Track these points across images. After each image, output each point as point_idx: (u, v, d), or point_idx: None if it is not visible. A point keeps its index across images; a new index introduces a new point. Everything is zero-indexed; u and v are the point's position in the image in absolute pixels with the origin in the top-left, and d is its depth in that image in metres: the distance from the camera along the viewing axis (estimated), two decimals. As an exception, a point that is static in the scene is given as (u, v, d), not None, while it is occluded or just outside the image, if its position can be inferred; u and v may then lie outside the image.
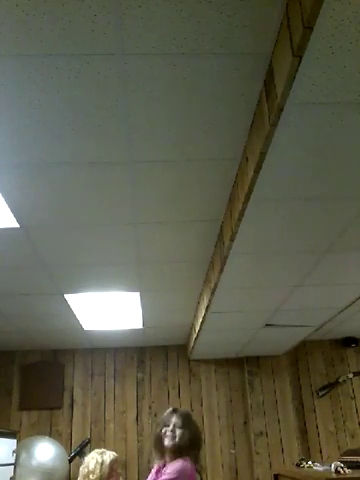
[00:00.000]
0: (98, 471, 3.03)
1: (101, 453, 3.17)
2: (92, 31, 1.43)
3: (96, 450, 3.26)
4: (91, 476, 3.04)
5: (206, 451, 5.03)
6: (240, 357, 5.37)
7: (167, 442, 2.52)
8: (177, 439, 2.50)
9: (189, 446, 2.50)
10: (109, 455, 3.15)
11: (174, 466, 2.42)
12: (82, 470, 3.13)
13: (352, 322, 4.62)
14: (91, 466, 3.09)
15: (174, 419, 2.58)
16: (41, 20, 1.38)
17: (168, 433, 2.54)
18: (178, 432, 2.52)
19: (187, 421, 2.59)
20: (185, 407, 5.21)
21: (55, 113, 1.75)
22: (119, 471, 3.16)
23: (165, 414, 2.66)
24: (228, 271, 2.86)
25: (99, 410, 5.20)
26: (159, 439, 2.58)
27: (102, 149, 1.96)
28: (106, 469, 3.05)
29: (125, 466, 4.89)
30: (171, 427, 2.55)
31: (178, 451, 2.48)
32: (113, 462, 3.12)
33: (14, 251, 2.87)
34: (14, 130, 1.82)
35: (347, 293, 3.51)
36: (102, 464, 3.06)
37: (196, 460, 2.52)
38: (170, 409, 2.67)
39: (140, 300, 3.84)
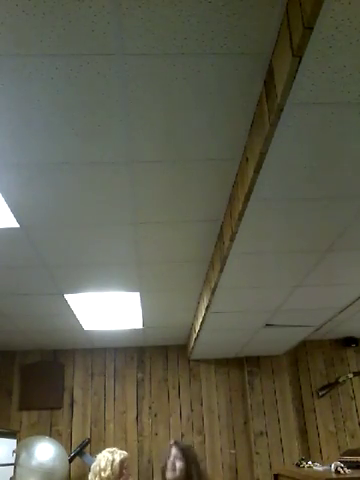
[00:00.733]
0: (109, 469, 3.07)
1: (112, 452, 3.21)
2: (92, 31, 1.43)
3: (107, 449, 3.30)
4: (102, 473, 3.09)
5: (206, 451, 5.03)
6: (240, 357, 5.37)
7: (168, 475, 2.62)
8: (177, 472, 2.59)
9: (187, 477, 2.57)
10: (120, 454, 3.18)
11: None
12: (93, 468, 3.18)
13: (352, 322, 4.62)
14: (102, 464, 3.14)
15: (173, 451, 2.67)
16: (41, 20, 1.38)
17: (169, 466, 2.63)
18: (178, 464, 2.60)
19: (184, 452, 2.66)
20: (185, 407, 5.22)
21: (55, 113, 1.75)
22: (130, 471, 3.18)
23: (167, 447, 2.76)
24: (228, 271, 2.86)
25: (99, 410, 5.20)
26: (163, 472, 2.69)
27: (102, 149, 1.96)
28: (117, 467, 3.08)
29: (125, 466, 4.89)
30: (171, 459, 2.64)
31: None
32: (123, 461, 3.15)
33: (14, 251, 2.87)
34: (14, 130, 1.82)
35: (347, 293, 3.51)
36: (113, 462, 3.11)
37: None
38: (171, 442, 2.77)
39: (140, 300, 3.84)
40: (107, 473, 3.06)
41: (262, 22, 1.43)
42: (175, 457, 2.63)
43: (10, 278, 3.30)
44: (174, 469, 2.60)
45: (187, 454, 2.66)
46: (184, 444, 2.77)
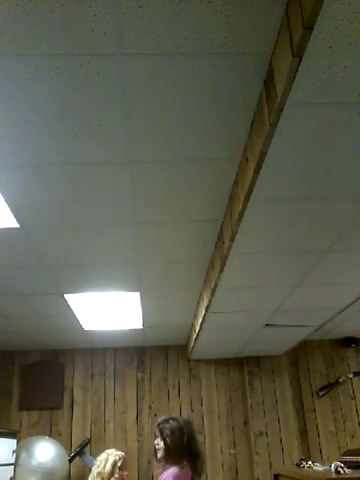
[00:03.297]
0: (101, 467, 3.28)
1: (108, 452, 3.40)
2: (92, 31, 1.43)
3: (107, 450, 3.48)
4: (94, 471, 3.29)
5: (206, 451, 5.03)
6: (240, 357, 5.37)
7: (156, 455, 2.60)
8: (159, 453, 2.56)
9: (168, 456, 2.51)
10: (114, 455, 3.37)
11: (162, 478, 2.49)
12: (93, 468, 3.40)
13: (352, 322, 4.63)
14: (97, 463, 3.34)
15: (157, 432, 2.63)
16: (41, 20, 1.38)
17: (155, 447, 2.61)
18: (160, 445, 2.57)
19: (163, 431, 2.59)
20: (185, 407, 5.22)
21: (55, 113, 1.75)
22: (125, 472, 3.29)
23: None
24: (228, 271, 2.86)
25: (99, 410, 5.20)
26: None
27: (102, 149, 1.96)
28: (108, 467, 3.27)
29: (125, 466, 4.90)
30: (156, 440, 2.61)
31: (164, 462, 2.54)
32: (116, 461, 3.31)
33: (14, 251, 2.87)
34: (14, 130, 1.82)
35: (347, 293, 3.51)
36: (106, 461, 3.30)
37: (185, 463, 2.49)
38: (158, 421, 2.71)
39: (140, 300, 3.84)
40: (98, 470, 3.29)
41: (262, 22, 1.43)
42: (156, 437, 2.63)
43: (10, 278, 3.30)
44: (157, 450, 2.59)
45: (164, 432, 2.60)
46: (162, 421, 2.68)
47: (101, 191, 2.28)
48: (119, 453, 3.36)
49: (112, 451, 3.39)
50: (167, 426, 2.58)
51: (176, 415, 2.78)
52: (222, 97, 1.71)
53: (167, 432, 2.56)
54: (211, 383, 5.36)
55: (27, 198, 2.30)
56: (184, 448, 2.52)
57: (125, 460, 3.34)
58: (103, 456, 3.33)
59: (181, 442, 2.53)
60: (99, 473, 3.23)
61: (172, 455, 2.49)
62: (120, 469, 3.24)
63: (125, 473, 3.27)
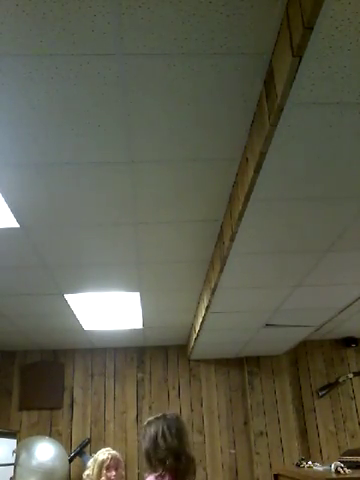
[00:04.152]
0: (91, 467, 3.13)
1: (99, 451, 3.24)
2: (92, 31, 1.43)
3: (103, 448, 3.33)
4: (84, 473, 3.17)
5: (206, 451, 5.03)
6: (240, 357, 5.37)
7: None
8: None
9: (147, 463, 2.22)
10: (104, 454, 3.16)
11: None
12: None
13: (352, 322, 4.62)
14: (89, 464, 3.20)
15: None
16: (41, 20, 1.38)
17: None
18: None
19: (143, 436, 2.30)
20: (185, 407, 5.22)
21: (55, 113, 1.75)
22: (113, 472, 3.07)
23: None
24: (228, 271, 2.86)
25: (99, 410, 5.20)
26: None
27: (102, 149, 1.96)
28: (96, 468, 3.09)
29: (125, 466, 4.88)
30: None
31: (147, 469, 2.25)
32: (104, 461, 3.09)
33: (14, 251, 2.87)
34: (14, 130, 1.82)
35: (347, 293, 3.51)
36: (95, 461, 3.13)
37: (163, 472, 2.13)
38: None
39: (140, 300, 3.84)
40: (87, 472, 3.12)
41: (262, 22, 1.43)
42: None
43: (10, 278, 3.30)
44: None
45: (142, 435, 2.36)
46: (147, 422, 2.36)
47: (101, 191, 2.28)
48: (106, 452, 3.15)
49: (105, 450, 3.19)
50: (145, 431, 2.29)
51: (162, 414, 2.35)
52: (222, 97, 1.71)
53: (144, 438, 2.27)
54: (211, 383, 5.36)
55: (27, 198, 2.30)
56: (161, 454, 2.16)
57: (116, 459, 3.12)
58: (94, 457, 3.15)
59: (156, 449, 2.18)
60: (88, 475, 3.06)
61: (151, 463, 2.19)
62: (108, 470, 3.05)
63: (113, 473, 3.05)
